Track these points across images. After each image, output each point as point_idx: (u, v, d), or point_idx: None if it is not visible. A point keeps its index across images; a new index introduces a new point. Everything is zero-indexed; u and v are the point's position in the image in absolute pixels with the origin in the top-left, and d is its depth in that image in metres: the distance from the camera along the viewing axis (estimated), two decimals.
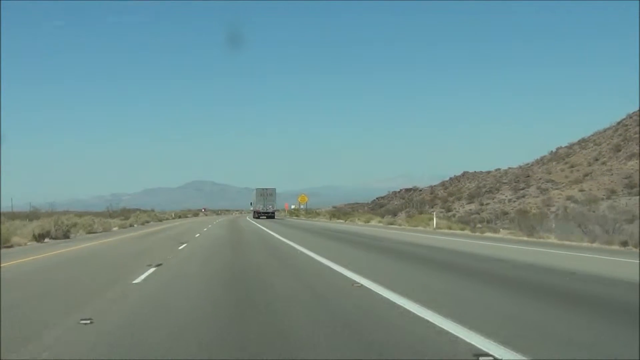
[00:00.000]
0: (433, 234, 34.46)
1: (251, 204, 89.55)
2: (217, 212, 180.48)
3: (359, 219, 64.38)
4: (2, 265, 15.24)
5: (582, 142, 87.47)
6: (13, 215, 39.27)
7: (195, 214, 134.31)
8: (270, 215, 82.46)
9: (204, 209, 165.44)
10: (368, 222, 58.50)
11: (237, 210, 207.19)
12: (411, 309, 8.04)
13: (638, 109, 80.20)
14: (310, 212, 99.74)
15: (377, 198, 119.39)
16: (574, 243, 23.78)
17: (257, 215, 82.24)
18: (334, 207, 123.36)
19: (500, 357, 5.67)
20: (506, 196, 76.63)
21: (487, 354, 5.74)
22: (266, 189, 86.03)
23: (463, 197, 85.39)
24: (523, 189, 76.63)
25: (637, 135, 73.11)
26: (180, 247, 21.90)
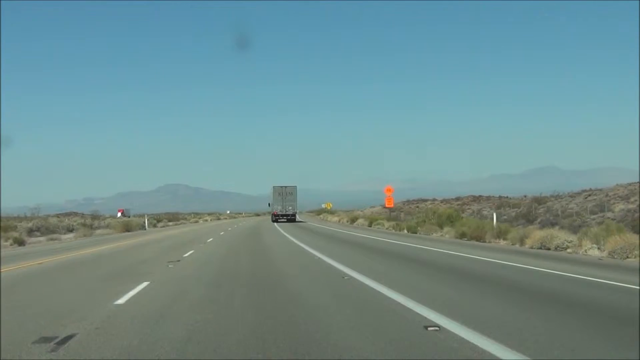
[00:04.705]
0: None
1: (269, 205, 77.40)
2: (156, 220, 76.69)
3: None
4: None
5: None
6: None
7: (87, 227, 49.71)
8: (290, 218, 71.96)
9: (122, 212, 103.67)
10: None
11: (209, 214, 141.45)
12: None
13: None
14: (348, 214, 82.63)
15: None
16: None
17: (275, 218, 71.69)
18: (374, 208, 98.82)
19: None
20: None
21: None
22: (285, 186, 73.82)
23: None
24: None
25: None
26: None
